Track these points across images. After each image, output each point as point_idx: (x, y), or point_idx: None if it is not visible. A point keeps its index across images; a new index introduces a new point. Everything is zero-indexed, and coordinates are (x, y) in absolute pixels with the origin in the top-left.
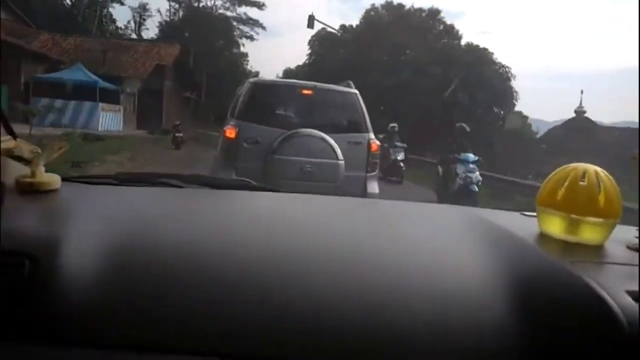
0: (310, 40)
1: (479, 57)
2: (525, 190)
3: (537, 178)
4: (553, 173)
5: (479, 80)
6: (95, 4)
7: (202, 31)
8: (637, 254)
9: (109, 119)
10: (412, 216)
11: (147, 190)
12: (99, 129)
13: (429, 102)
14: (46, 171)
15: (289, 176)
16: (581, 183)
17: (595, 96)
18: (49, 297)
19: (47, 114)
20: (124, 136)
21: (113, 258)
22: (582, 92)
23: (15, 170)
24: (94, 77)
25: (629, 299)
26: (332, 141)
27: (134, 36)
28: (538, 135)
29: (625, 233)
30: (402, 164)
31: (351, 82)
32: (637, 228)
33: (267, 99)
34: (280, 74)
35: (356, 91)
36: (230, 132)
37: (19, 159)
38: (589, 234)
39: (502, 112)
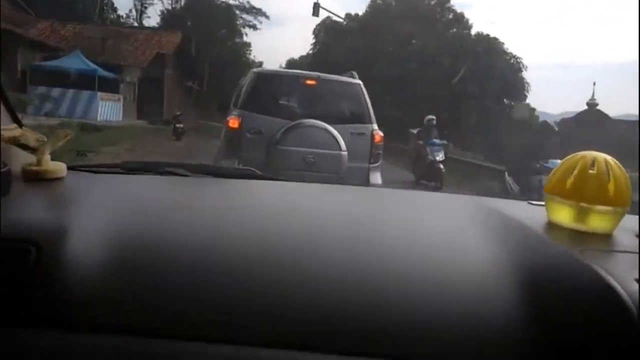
0: (315, 30)
1: (490, 47)
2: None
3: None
4: (562, 161)
5: (489, 71)
6: None
7: (204, 20)
8: None
9: (108, 109)
10: (418, 205)
11: (152, 178)
12: (98, 119)
13: (438, 92)
14: (52, 159)
15: (291, 166)
16: (590, 171)
17: (600, 88)
18: (54, 284)
19: (44, 103)
20: (123, 126)
21: (118, 246)
22: (594, 84)
23: (21, 158)
24: (92, 65)
25: (639, 287)
26: (335, 132)
27: (135, 25)
28: None
29: (634, 222)
30: (441, 166)
31: (355, 73)
32: None
33: (270, 89)
34: (284, 64)
35: (360, 82)
36: (233, 122)
37: (25, 147)
38: (598, 222)
39: (512, 104)
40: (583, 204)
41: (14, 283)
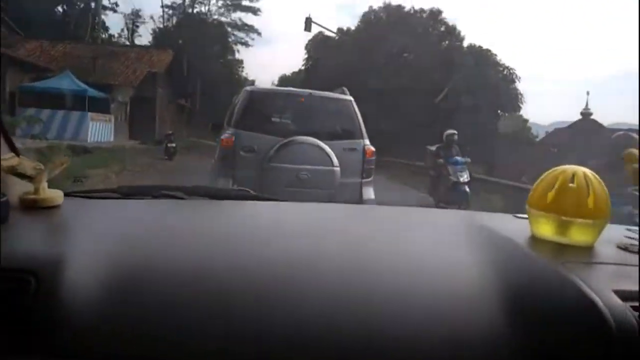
0: (307, 45)
1: (483, 58)
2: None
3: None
4: (543, 176)
5: (483, 83)
6: (87, 12)
7: (196, 37)
8: (627, 253)
9: (99, 129)
10: (407, 221)
11: (149, 203)
12: (89, 140)
13: (432, 105)
14: (48, 186)
15: (285, 183)
16: (570, 185)
17: (590, 99)
18: (53, 312)
19: (33, 125)
20: (113, 147)
21: (115, 274)
22: (588, 93)
23: (19, 187)
24: (82, 85)
25: (617, 299)
26: (327, 148)
27: (127, 43)
28: (537, 139)
29: (615, 232)
30: (467, 188)
31: (345, 89)
32: (627, 228)
33: (263, 107)
34: (276, 81)
35: (351, 98)
36: (227, 141)
37: (23, 175)
38: (579, 235)
39: (506, 115)
40: (564, 218)
41: (13, 312)
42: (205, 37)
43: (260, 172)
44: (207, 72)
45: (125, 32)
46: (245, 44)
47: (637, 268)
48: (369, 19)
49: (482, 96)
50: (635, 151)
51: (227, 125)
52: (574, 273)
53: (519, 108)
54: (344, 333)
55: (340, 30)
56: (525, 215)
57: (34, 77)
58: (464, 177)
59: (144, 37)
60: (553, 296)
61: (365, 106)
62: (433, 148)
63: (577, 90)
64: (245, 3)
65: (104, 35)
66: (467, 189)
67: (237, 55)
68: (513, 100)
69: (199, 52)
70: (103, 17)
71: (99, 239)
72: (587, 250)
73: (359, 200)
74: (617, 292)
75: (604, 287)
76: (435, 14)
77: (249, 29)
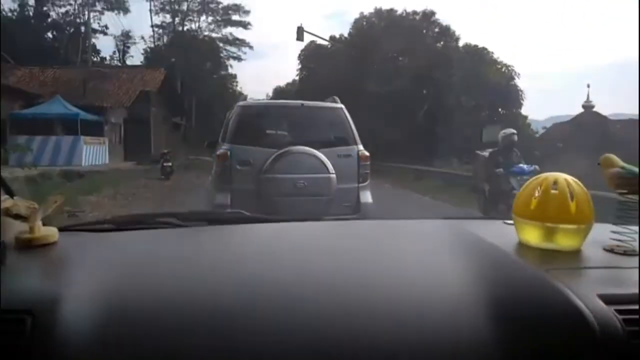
0: (299, 55)
1: (480, 57)
2: None
3: None
4: (526, 183)
5: (482, 82)
6: (77, 36)
7: (188, 55)
8: (613, 255)
9: (93, 153)
10: (395, 234)
11: (143, 234)
12: (83, 164)
13: (430, 107)
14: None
15: (283, 193)
16: (553, 191)
17: (582, 91)
18: (50, 352)
19: (25, 153)
20: (108, 170)
21: (113, 310)
22: (588, 85)
23: (13, 227)
24: (74, 109)
25: (601, 304)
26: (322, 156)
27: (119, 65)
28: (536, 135)
29: (603, 232)
30: None
31: (337, 98)
32: (613, 223)
33: (256, 120)
34: (271, 93)
35: (342, 106)
36: (222, 156)
37: (17, 216)
38: (564, 240)
39: (507, 112)
40: (548, 224)
41: (10, 353)
42: (197, 54)
43: (257, 184)
44: (201, 88)
45: (117, 53)
46: (238, 59)
47: (622, 270)
48: (361, 25)
49: (482, 95)
50: (612, 156)
51: (222, 140)
52: (559, 279)
53: (521, 105)
54: (340, 349)
55: (332, 38)
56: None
57: (24, 104)
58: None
59: (135, 57)
60: (538, 303)
61: (364, 112)
62: (485, 154)
63: (570, 84)
64: (235, 18)
65: (95, 59)
66: None
67: (230, 70)
68: (514, 97)
69: (192, 69)
70: (93, 40)
71: (95, 275)
72: (573, 255)
73: (357, 204)
74: (601, 297)
75: (588, 293)
76: (428, 15)
77: (241, 43)
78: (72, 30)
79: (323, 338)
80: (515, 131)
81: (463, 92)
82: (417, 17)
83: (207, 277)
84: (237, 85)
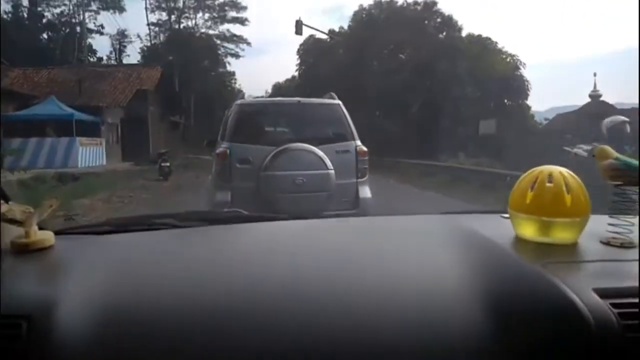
0: (298, 50)
1: (484, 47)
2: None
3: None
4: (521, 177)
5: (487, 72)
6: (73, 36)
7: (185, 52)
8: (609, 248)
9: (89, 154)
10: (394, 230)
11: (140, 235)
12: (79, 166)
13: (435, 100)
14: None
15: (282, 190)
16: (548, 185)
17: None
18: (47, 357)
19: (20, 156)
20: (104, 172)
21: (109, 315)
22: (595, 75)
23: (9, 232)
24: (68, 109)
25: (597, 298)
26: (320, 153)
27: (114, 64)
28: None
29: (600, 223)
30: None
31: (334, 94)
32: (609, 215)
33: (254, 118)
34: (270, 90)
35: (339, 102)
36: (222, 155)
37: (12, 221)
38: (560, 234)
39: (513, 103)
40: (544, 218)
41: (6, 358)
42: (195, 52)
43: (257, 181)
44: (199, 86)
45: (114, 53)
46: (236, 55)
47: (619, 263)
48: (361, 17)
49: (487, 86)
50: (607, 147)
51: (221, 139)
52: (555, 274)
53: (527, 96)
54: (340, 345)
55: (332, 31)
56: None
57: (17, 106)
58: None
59: (132, 56)
60: (534, 297)
61: (366, 107)
62: (583, 150)
63: (569, 74)
64: (232, 14)
65: (92, 59)
66: None
67: (228, 68)
68: (520, 88)
69: (190, 67)
70: (89, 40)
71: (91, 278)
72: (569, 249)
73: (356, 199)
74: (596, 291)
75: (584, 286)
76: (429, 5)
77: (238, 39)
78: (67, 30)
79: (324, 335)
80: (627, 119)
81: (468, 83)
82: (419, 8)
83: (205, 278)
84: (235, 83)
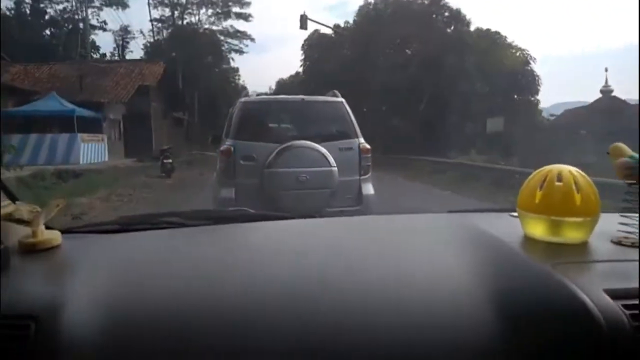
0: (303, 45)
1: (493, 41)
2: None
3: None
4: (530, 176)
5: (496, 67)
6: (76, 32)
7: (188, 48)
8: (620, 247)
9: (91, 150)
10: (401, 229)
11: (148, 234)
12: (81, 162)
13: (444, 95)
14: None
15: (286, 186)
16: (557, 184)
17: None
18: (55, 357)
19: (21, 152)
20: (106, 169)
21: (117, 314)
22: (606, 70)
23: (17, 232)
24: (70, 105)
25: (608, 299)
26: (323, 150)
27: (117, 59)
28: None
29: (611, 222)
30: None
31: (337, 92)
32: (621, 215)
33: (258, 116)
34: (274, 86)
35: (342, 100)
36: (226, 152)
37: (20, 221)
38: (570, 233)
39: (523, 99)
40: (553, 217)
41: (14, 358)
42: (198, 47)
43: (260, 178)
44: (202, 83)
45: (117, 49)
46: (240, 51)
47: (630, 264)
48: (366, 12)
49: (497, 81)
50: (621, 145)
51: (226, 136)
52: (565, 274)
53: (537, 91)
54: (347, 345)
55: (337, 26)
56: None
57: (18, 102)
58: None
59: (135, 52)
60: (544, 298)
61: (373, 103)
62: None
63: (574, 69)
64: (235, 10)
65: (95, 55)
66: None
67: (232, 64)
68: (530, 83)
69: (193, 63)
70: (92, 36)
71: (99, 278)
72: (580, 248)
73: (359, 196)
74: (607, 291)
75: (594, 287)
76: None
77: (242, 35)
78: (70, 27)
79: (332, 335)
80: None
81: (476, 78)
82: (426, 2)
83: (212, 278)
84: (239, 79)
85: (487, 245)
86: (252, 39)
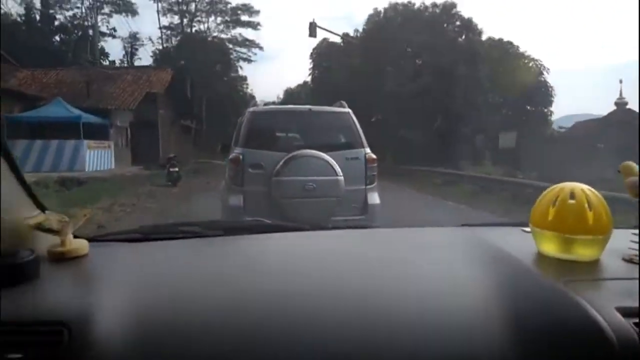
0: (311, 54)
1: (505, 51)
2: None
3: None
4: (543, 193)
5: (509, 78)
6: (86, 39)
7: (197, 56)
8: (632, 265)
9: (97, 157)
10: (414, 243)
11: (170, 244)
12: (87, 170)
13: (456, 106)
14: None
15: (293, 194)
16: (570, 202)
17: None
18: None
19: (25, 158)
20: (111, 177)
21: (144, 321)
22: (621, 81)
23: (45, 240)
24: (76, 111)
25: (619, 317)
26: (330, 159)
27: (125, 66)
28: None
29: (623, 238)
30: None
31: (344, 102)
32: (633, 233)
33: (266, 125)
34: (281, 95)
35: (349, 110)
36: (235, 160)
37: (49, 230)
38: (582, 250)
39: (535, 110)
40: (566, 235)
41: None
42: (207, 56)
43: (268, 186)
44: (211, 91)
45: (125, 56)
46: (248, 60)
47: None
48: (376, 20)
49: (509, 92)
50: (632, 164)
51: (235, 145)
52: (577, 291)
53: (550, 102)
54: (363, 358)
55: (346, 34)
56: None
57: (23, 107)
58: None
59: (144, 59)
60: (556, 315)
61: (382, 112)
62: None
63: (579, 82)
64: (244, 18)
65: (104, 62)
66: None
67: (240, 72)
68: (543, 94)
69: (202, 71)
70: (101, 43)
71: (125, 287)
72: (592, 266)
73: (364, 205)
74: (619, 310)
75: (606, 305)
76: (448, 7)
77: (251, 43)
78: (79, 33)
79: (347, 348)
80: None
81: (488, 88)
82: (437, 11)
83: (233, 289)
84: (247, 88)
85: (500, 261)
86: (261, 48)
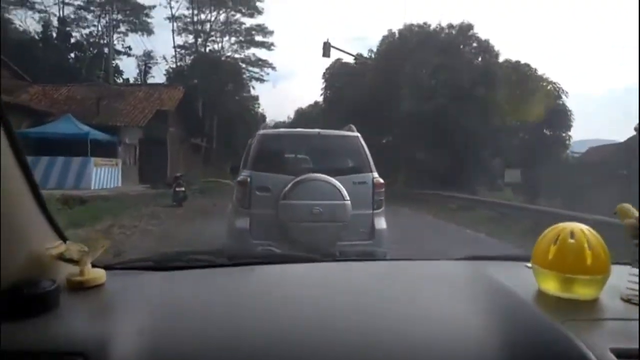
0: (324, 74)
1: (523, 73)
2: None
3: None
4: (544, 233)
5: (527, 100)
6: (101, 57)
7: (210, 75)
8: (630, 305)
9: (104, 175)
10: (418, 276)
11: (183, 274)
12: (93, 187)
13: (473, 128)
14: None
15: (300, 218)
16: (570, 241)
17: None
18: None
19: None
20: (115, 195)
21: (160, 351)
22: None
23: (64, 269)
24: (85, 128)
25: (613, 358)
26: (337, 183)
27: (138, 83)
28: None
29: (621, 276)
30: None
31: (353, 126)
32: (631, 272)
33: (275, 148)
34: (292, 115)
35: (358, 134)
36: (243, 183)
37: (69, 260)
38: (582, 290)
39: (553, 134)
40: (566, 275)
41: None
42: (219, 75)
43: (275, 209)
44: (222, 110)
45: (140, 74)
46: (260, 80)
47: (635, 322)
48: (390, 40)
49: (526, 115)
50: (628, 206)
51: (243, 167)
52: (574, 330)
53: (569, 127)
54: None
55: (359, 55)
56: None
57: (32, 123)
58: None
59: (157, 78)
60: (551, 353)
61: (396, 134)
62: None
63: (593, 107)
64: (258, 39)
65: (118, 80)
66: None
67: (252, 92)
68: (561, 118)
69: (214, 90)
70: (116, 61)
71: (141, 317)
72: (590, 305)
73: (372, 230)
74: (613, 350)
75: (602, 346)
76: (465, 29)
77: (263, 63)
78: (95, 51)
79: None
80: None
81: (506, 111)
82: (453, 32)
83: (246, 320)
84: (259, 107)
85: (502, 297)
86: (274, 68)
